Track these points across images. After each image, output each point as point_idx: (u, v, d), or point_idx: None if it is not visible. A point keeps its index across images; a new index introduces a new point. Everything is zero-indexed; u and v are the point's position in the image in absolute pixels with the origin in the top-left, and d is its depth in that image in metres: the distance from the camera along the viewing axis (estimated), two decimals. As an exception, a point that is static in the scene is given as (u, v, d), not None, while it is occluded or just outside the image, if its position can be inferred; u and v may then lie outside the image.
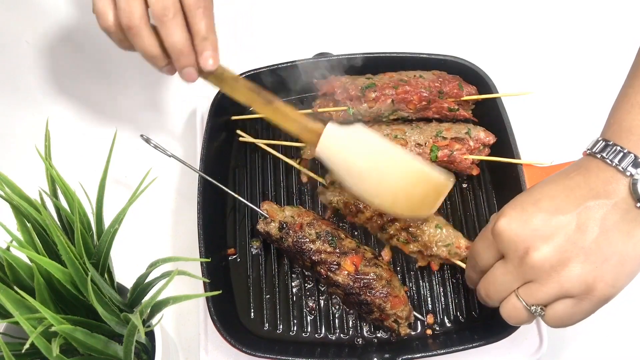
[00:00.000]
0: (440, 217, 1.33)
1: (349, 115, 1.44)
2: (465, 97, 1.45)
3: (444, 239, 1.30)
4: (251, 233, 1.42)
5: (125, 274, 1.09)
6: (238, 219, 1.45)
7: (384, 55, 1.52)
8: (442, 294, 1.36)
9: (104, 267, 0.97)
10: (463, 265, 1.32)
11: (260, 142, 1.47)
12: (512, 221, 0.96)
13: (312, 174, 1.45)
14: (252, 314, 1.34)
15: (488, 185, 1.47)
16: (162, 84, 1.71)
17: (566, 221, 0.93)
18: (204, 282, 1.25)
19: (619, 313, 1.38)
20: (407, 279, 1.37)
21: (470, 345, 1.22)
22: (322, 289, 1.36)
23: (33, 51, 1.77)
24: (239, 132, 1.46)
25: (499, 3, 1.84)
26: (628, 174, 0.91)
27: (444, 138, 1.41)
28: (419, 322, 1.32)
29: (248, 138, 1.47)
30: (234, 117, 1.48)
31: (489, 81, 1.47)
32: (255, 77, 1.50)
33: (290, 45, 1.77)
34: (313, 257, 1.29)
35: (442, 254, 1.31)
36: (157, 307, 0.94)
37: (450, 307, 1.34)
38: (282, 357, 1.22)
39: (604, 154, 0.95)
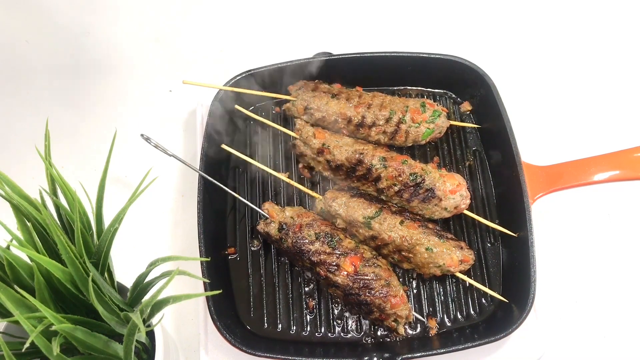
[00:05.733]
0: (431, 236, 1.31)
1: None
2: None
3: (435, 260, 1.30)
4: (251, 233, 1.42)
5: (126, 273, 1.09)
6: (238, 218, 1.45)
7: (384, 55, 1.52)
8: (442, 294, 1.36)
9: (104, 267, 0.97)
10: (461, 275, 1.32)
11: (247, 158, 1.46)
12: None
13: (299, 186, 1.45)
14: (252, 313, 1.34)
15: (488, 184, 1.47)
16: (162, 84, 1.71)
17: None
18: (204, 282, 1.25)
19: (618, 313, 1.39)
20: (406, 279, 1.37)
21: (470, 345, 1.22)
22: (322, 288, 1.36)
23: (33, 51, 1.77)
24: (223, 146, 1.46)
25: (499, 3, 1.85)
26: None
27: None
28: (418, 321, 1.32)
29: (234, 152, 1.46)
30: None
31: (488, 81, 1.47)
32: (255, 76, 1.51)
33: (290, 45, 1.77)
34: (312, 258, 1.29)
35: (436, 272, 1.31)
36: (157, 306, 0.94)
37: (450, 307, 1.34)
38: (283, 357, 1.22)
39: None
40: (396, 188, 1.38)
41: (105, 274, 0.99)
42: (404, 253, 1.32)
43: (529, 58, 1.75)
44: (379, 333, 1.31)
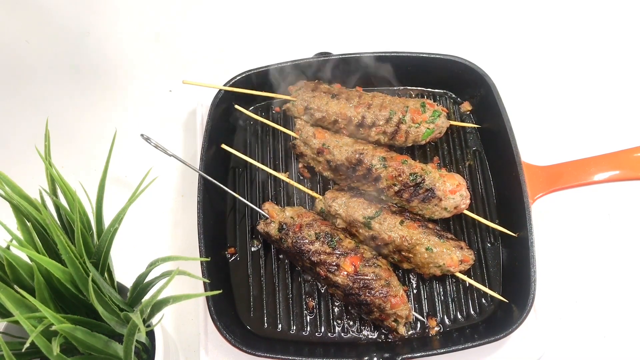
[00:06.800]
0: (431, 236, 1.31)
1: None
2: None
3: (435, 260, 1.29)
4: (251, 233, 1.42)
5: (126, 273, 1.09)
6: (238, 218, 1.45)
7: (384, 55, 1.52)
8: (442, 294, 1.36)
9: (104, 267, 0.97)
10: (461, 275, 1.32)
11: (247, 158, 1.47)
12: None
13: (299, 186, 1.45)
14: (252, 313, 1.34)
15: (488, 184, 1.47)
16: (162, 84, 1.71)
17: None
18: (204, 282, 1.25)
19: (618, 313, 1.39)
20: (406, 279, 1.37)
21: (470, 345, 1.22)
22: (322, 288, 1.36)
23: (33, 51, 1.77)
24: (223, 146, 1.46)
25: (499, 3, 1.85)
26: None
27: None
28: (418, 321, 1.32)
29: (234, 152, 1.47)
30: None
31: (488, 81, 1.47)
32: (255, 76, 1.51)
33: (290, 45, 1.77)
34: (312, 258, 1.29)
35: (436, 272, 1.31)
36: (157, 306, 0.94)
37: (450, 307, 1.34)
38: (283, 357, 1.22)
39: None
40: (396, 188, 1.38)
41: (105, 274, 0.99)
42: (404, 253, 1.32)
43: (529, 58, 1.75)
44: (378, 333, 1.31)
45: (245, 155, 1.47)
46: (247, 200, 1.41)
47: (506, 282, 1.36)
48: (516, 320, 1.23)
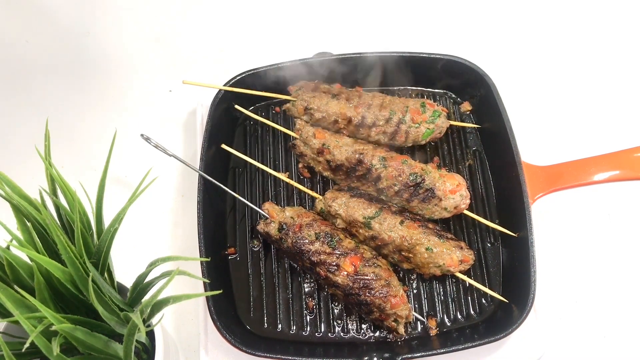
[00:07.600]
0: (431, 236, 1.31)
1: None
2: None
3: (435, 260, 1.29)
4: (251, 233, 1.43)
5: (126, 273, 1.09)
6: (238, 218, 1.45)
7: (384, 55, 1.52)
8: (442, 294, 1.36)
9: (104, 267, 0.97)
10: (461, 275, 1.32)
11: (247, 158, 1.46)
12: None
13: (299, 186, 1.45)
14: (252, 313, 1.34)
15: (488, 184, 1.47)
16: (162, 84, 1.71)
17: None
18: (204, 282, 1.25)
19: (618, 313, 1.39)
20: (406, 279, 1.37)
21: (470, 345, 1.22)
22: (322, 288, 1.36)
23: (33, 51, 1.77)
24: (223, 146, 1.46)
25: (499, 3, 1.85)
26: None
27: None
28: (418, 321, 1.32)
29: (234, 152, 1.47)
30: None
31: (488, 81, 1.48)
32: (255, 76, 1.51)
33: (290, 45, 1.77)
34: (312, 258, 1.29)
35: (436, 272, 1.31)
36: (157, 306, 0.94)
37: (450, 307, 1.34)
38: (283, 357, 1.22)
39: None
40: (396, 188, 1.38)
41: (105, 274, 0.99)
42: (404, 253, 1.32)
43: (529, 58, 1.75)
44: (378, 333, 1.31)
45: (245, 155, 1.47)
46: (247, 200, 1.41)
47: (506, 282, 1.36)
48: (516, 320, 1.23)
